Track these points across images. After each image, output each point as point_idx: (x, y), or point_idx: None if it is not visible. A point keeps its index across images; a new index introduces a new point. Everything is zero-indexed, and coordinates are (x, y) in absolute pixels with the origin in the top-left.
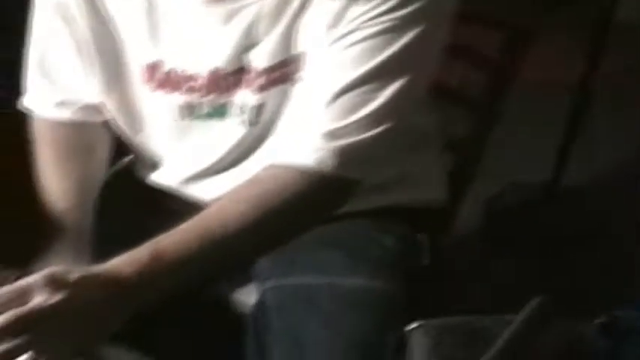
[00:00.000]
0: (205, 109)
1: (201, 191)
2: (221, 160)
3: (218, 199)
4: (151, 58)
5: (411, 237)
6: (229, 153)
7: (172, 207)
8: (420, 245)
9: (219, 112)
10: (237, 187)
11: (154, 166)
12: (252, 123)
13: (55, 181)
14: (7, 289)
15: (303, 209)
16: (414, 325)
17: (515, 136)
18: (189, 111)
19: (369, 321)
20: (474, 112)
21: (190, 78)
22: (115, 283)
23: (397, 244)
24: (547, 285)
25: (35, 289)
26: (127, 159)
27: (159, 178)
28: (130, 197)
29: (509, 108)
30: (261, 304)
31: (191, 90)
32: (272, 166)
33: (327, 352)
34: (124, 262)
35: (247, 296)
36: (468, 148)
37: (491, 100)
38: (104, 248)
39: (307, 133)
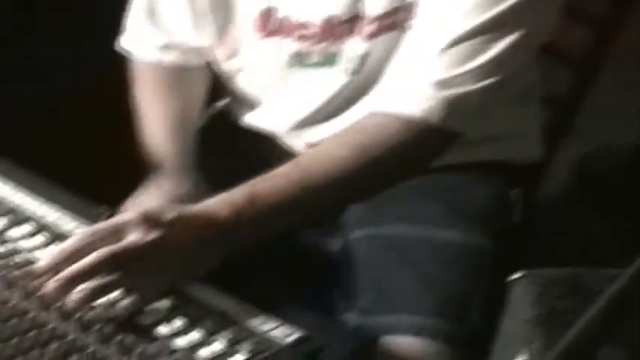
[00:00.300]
0: (315, 58)
1: (298, 139)
2: (321, 108)
3: (316, 145)
4: (265, 5)
5: (505, 192)
6: (330, 102)
7: (268, 153)
8: (514, 201)
9: (328, 60)
10: (339, 133)
11: (252, 111)
12: (356, 72)
13: (153, 116)
14: (102, 225)
15: (404, 159)
16: (517, 274)
17: (611, 98)
18: (298, 59)
19: (461, 275)
20: (574, 70)
21: (302, 26)
22: (210, 224)
23: (491, 200)
24: None
25: (130, 226)
26: (222, 103)
27: (256, 123)
28: (225, 141)
29: (608, 68)
30: (350, 253)
31: (302, 38)
32: (376, 114)
33: (416, 305)
34: (219, 204)
35: (336, 244)
36: (565, 105)
37: (593, 58)
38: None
39: (416, 82)
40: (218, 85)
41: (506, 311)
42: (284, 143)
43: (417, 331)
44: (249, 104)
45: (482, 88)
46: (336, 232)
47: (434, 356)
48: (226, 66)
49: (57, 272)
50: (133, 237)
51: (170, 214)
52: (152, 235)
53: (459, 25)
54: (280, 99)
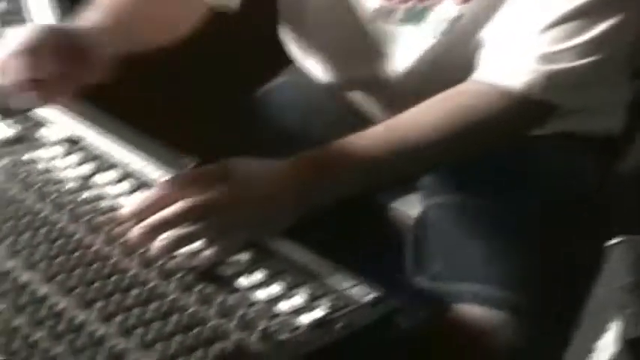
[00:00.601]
0: (401, 15)
1: (374, 98)
2: (402, 68)
3: (413, 108)
4: None
5: (586, 163)
6: (413, 63)
7: (345, 111)
8: (595, 172)
9: (415, 18)
10: (435, 99)
11: (329, 66)
12: (445, 34)
13: None
14: (188, 175)
15: (500, 129)
16: (615, 240)
17: None
18: (384, 15)
19: (534, 246)
20: None
21: None
22: (293, 180)
23: (570, 170)
24: None
25: (215, 178)
26: (300, 58)
27: (334, 79)
28: (303, 98)
29: None
30: (423, 219)
31: None
32: (475, 82)
33: (485, 275)
34: (303, 160)
35: (409, 207)
36: None
37: None
38: (273, 150)
39: (519, 55)
40: (295, 39)
41: (600, 277)
42: (361, 102)
43: (484, 301)
44: (327, 60)
45: (584, 65)
46: (411, 194)
47: (501, 327)
48: (302, 17)
49: (141, 219)
50: (217, 189)
51: (255, 166)
52: (236, 188)
53: (565, 3)
54: (360, 55)
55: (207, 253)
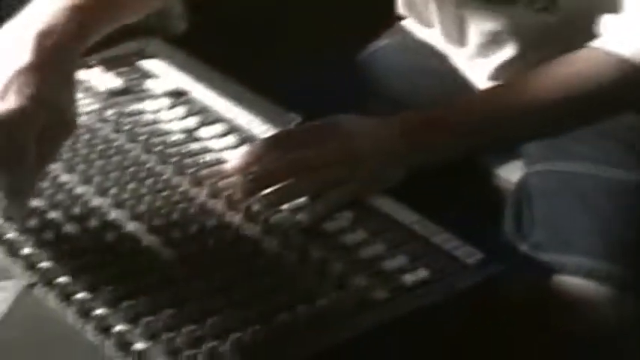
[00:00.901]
0: None
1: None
2: (502, 43)
3: (525, 73)
4: None
5: None
6: (510, 37)
7: (452, 77)
8: None
9: None
10: (548, 65)
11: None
12: (549, 8)
13: None
14: (294, 130)
15: (615, 99)
16: None
17: None
18: None
19: (638, 220)
20: None
21: None
22: (400, 137)
23: None
24: None
25: (322, 134)
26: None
27: (438, 44)
28: (405, 62)
29: None
30: (524, 186)
31: None
32: (591, 50)
33: (589, 247)
34: (411, 117)
35: (511, 173)
36: None
37: None
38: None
39: (636, 25)
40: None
41: None
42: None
43: (587, 274)
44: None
45: None
46: (514, 163)
47: (605, 301)
48: None
49: (246, 173)
50: (325, 144)
51: (363, 123)
52: (343, 144)
53: None
54: (474, 18)
55: (312, 209)
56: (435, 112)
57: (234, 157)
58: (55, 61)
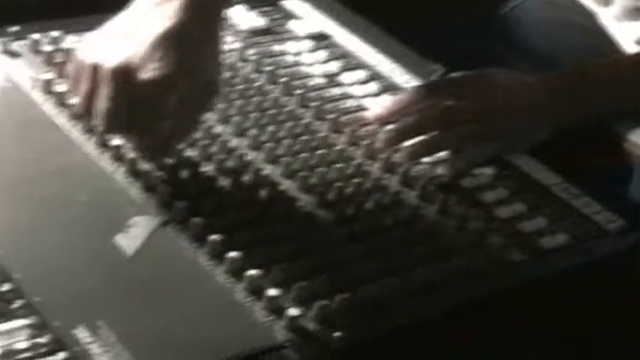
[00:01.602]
0: None
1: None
2: None
3: None
4: None
5: None
6: None
7: (600, 36)
8: None
9: None
10: None
11: None
12: None
13: None
14: (439, 82)
15: None
16: None
17: None
18: None
19: None
20: None
21: None
22: (551, 94)
23: None
24: None
25: (467, 87)
26: None
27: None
28: (551, 18)
29: None
30: None
31: None
32: None
33: None
34: (560, 78)
35: None
36: None
37: None
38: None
39: None
40: None
41: None
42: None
43: None
44: None
45: None
46: None
47: None
48: None
49: (388, 123)
50: (472, 97)
51: (511, 78)
52: (492, 98)
53: None
54: None
55: (453, 163)
56: (583, 69)
57: (377, 106)
58: (200, 26)
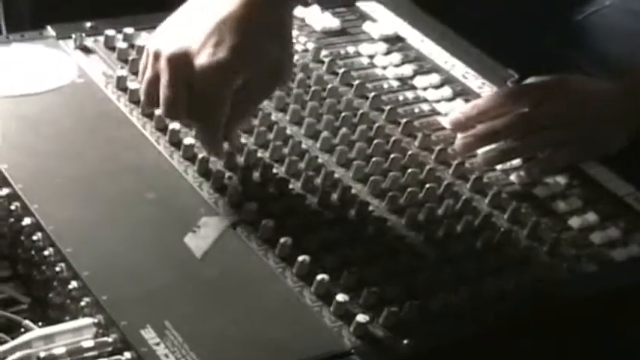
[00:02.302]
0: None
1: None
2: None
3: None
4: None
5: None
6: None
7: None
8: None
9: None
10: None
11: None
12: None
13: None
14: (516, 88)
15: None
16: None
17: None
18: None
19: None
20: None
21: None
22: (630, 102)
23: None
24: None
25: (548, 92)
26: None
27: None
28: (628, 26)
29: None
30: None
31: None
32: None
33: None
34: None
35: None
36: None
37: None
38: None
39: None
40: None
41: None
42: None
43: None
44: None
45: None
46: None
47: None
48: None
49: (464, 128)
50: (550, 104)
51: (590, 85)
52: (573, 104)
53: None
54: None
55: (527, 171)
56: None
57: (454, 111)
58: (260, 10)
